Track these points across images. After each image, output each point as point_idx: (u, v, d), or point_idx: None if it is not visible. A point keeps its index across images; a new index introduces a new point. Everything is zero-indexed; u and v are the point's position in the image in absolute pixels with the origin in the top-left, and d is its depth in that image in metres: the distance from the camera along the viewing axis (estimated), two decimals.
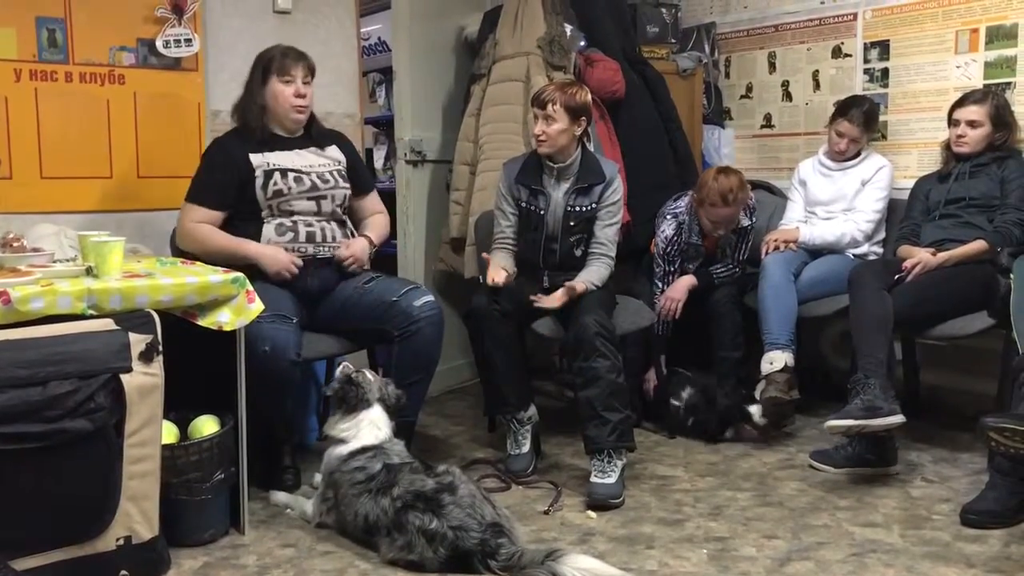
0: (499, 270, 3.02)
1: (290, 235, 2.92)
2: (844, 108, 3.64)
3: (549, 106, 3.00)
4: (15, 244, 2.50)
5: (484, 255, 3.17)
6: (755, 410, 3.33)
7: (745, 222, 3.54)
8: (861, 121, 3.59)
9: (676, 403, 3.45)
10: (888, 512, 2.68)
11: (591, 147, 3.45)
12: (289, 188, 2.92)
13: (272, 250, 2.88)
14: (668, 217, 3.53)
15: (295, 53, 2.99)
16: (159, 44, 3.33)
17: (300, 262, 2.89)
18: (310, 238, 2.95)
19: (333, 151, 3.09)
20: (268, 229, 2.91)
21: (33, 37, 3.12)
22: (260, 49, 3.06)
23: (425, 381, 2.96)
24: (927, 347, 3.58)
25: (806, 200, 3.75)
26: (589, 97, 3.09)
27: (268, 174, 2.91)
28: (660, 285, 3.54)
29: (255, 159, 2.92)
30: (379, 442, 2.56)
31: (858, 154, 3.65)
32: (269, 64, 2.95)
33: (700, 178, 3.49)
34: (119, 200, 3.32)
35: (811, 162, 3.79)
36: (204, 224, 2.89)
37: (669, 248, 3.52)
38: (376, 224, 3.18)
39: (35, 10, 3.12)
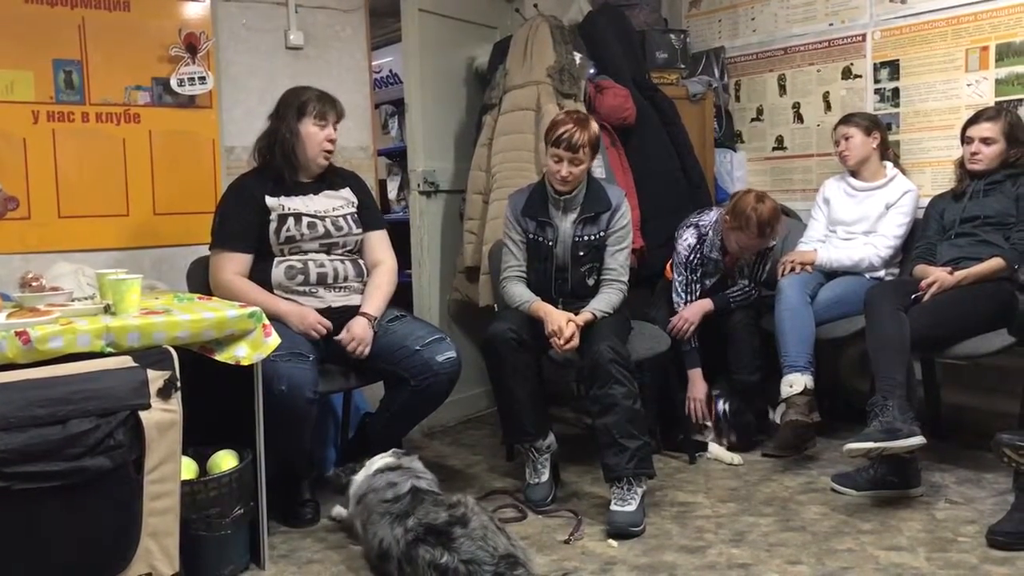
0: (566, 321, 2.93)
1: (300, 277, 2.92)
2: (845, 118, 3.68)
3: (581, 150, 2.95)
4: (34, 283, 2.53)
5: (533, 305, 3.03)
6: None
7: (770, 242, 3.53)
8: (859, 121, 3.61)
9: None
10: (913, 535, 2.65)
11: (603, 173, 3.45)
12: (302, 234, 2.92)
13: (300, 311, 2.88)
14: (690, 227, 3.53)
15: (330, 99, 3.03)
16: (173, 82, 3.38)
17: (329, 325, 2.89)
18: (321, 279, 2.93)
19: (346, 193, 3.08)
20: (277, 272, 2.91)
21: (50, 79, 3.17)
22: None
23: (423, 416, 3.06)
24: (948, 366, 3.55)
25: (828, 218, 3.74)
26: (597, 127, 3.09)
27: (282, 218, 2.92)
28: (683, 295, 3.52)
29: (270, 202, 2.93)
30: (396, 459, 2.59)
31: (885, 174, 3.62)
32: (304, 106, 2.97)
33: (736, 202, 3.40)
34: (136, 237, 3.35)
35: (837, 181, 3.76)
36: (242, 278, 2.89)
37: (692, 256, 3.50)
38: (377, 288, 3.02)
39: (52, 53, 3.17)
